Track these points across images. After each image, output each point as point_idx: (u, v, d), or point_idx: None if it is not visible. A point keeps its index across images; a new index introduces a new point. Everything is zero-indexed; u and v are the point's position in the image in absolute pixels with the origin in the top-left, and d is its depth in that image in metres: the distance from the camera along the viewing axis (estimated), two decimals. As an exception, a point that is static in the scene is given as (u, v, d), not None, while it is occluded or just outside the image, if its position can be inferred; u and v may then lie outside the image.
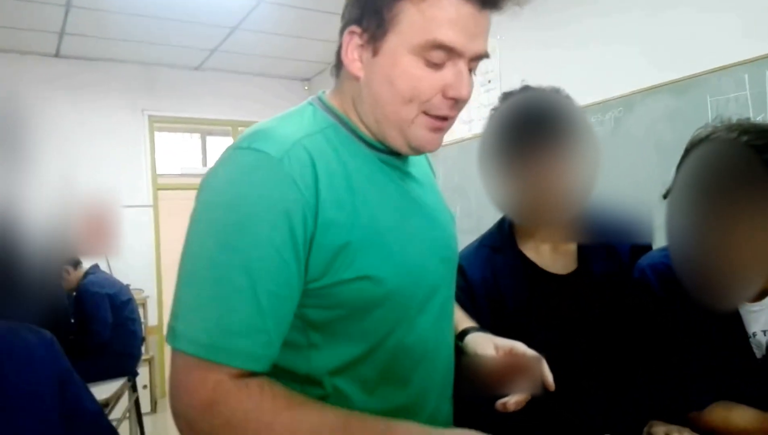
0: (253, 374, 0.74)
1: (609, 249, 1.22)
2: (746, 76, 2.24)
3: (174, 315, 0.75)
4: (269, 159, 0.75)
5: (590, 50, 2.86)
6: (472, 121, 3.60)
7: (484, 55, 0.83)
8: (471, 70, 0.83)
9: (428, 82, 0.79)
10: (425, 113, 0.81)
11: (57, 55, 4.38)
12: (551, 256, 1.23)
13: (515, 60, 3.30)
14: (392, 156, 0.89)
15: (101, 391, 2.99)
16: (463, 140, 3.63)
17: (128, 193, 4.44)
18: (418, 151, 0.87)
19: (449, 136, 3.71)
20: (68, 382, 0.89)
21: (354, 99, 0.86)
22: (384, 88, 0.81)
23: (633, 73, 2.65)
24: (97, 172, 3.55)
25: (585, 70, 2.85)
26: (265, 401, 0.72)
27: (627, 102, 2.66)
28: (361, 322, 0.81)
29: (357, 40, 0.82)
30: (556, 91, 1.10)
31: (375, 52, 0.80)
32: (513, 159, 1.02)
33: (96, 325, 3.22)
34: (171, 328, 0.75)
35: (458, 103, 0.82)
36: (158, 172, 4.83)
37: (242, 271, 0.72)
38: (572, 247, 1.23)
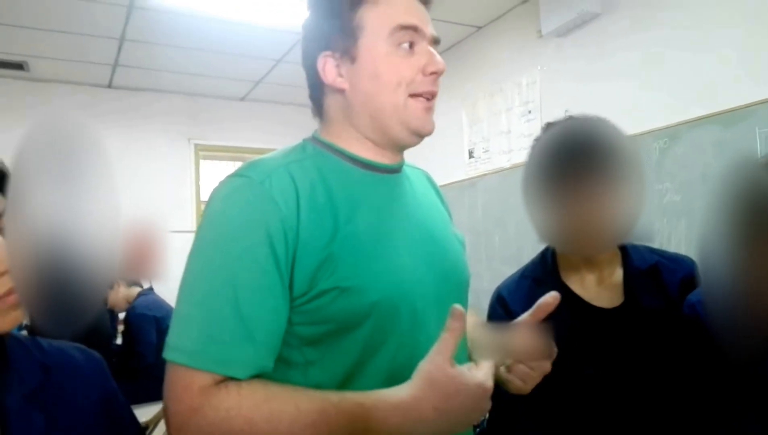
0: (236, 380, 0.77)
1: (657, 283, 1.18)
2: (797, 107, 2.17)
3: (170, 329, 0.79)
4: (251, 182, 0.82)
5: (633, 81, 2.82)
6: (512, 151, 3.58)
7: (438, 39, 0.93)
8: None
9: (407, 65, 0.88)
10: (413, 95, 0.89)
11: (110, 86, 4.57)
12: (596, 289, 1.19)
13: (556, 90, 3.28)
14: (385, 173, 0.94)
15: (142, 413, 3.01)
16: (503, 170, 3.60)
17: (174, 219, 4.54)
18: (418, 134, 0.92)
19: (488, 166, 3.69)
20: (114, 403, 0.90)
21: (344, 116, 0.92)
22: (372, 83, 0.88)
23: (678, 104, 2.60)
24: (144, 198, 3.63)
25: (628, 101, 2.80)
26: (243, 398, 0.75)
27: (672, 133, 2.60)
28: (352, 337, 0.83)
29: (331, 62, 0.90)
30: (602, 120, 1.09)
31: (353, 60, 0.89)
32: (558, 187, 1.01)
33: (141, 347, 3.27)
34: (165, 342, 0.79)
35: (437, 77, 0.91)
36: (203, 199, 4.94)
37: (226, 283, 0.77)
38: (618, 280, 1.19)
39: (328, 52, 0.90)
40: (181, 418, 0.75)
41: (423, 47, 0.90)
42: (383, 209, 0.90)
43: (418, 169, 1.10)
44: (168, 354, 0.78)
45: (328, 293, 0.81)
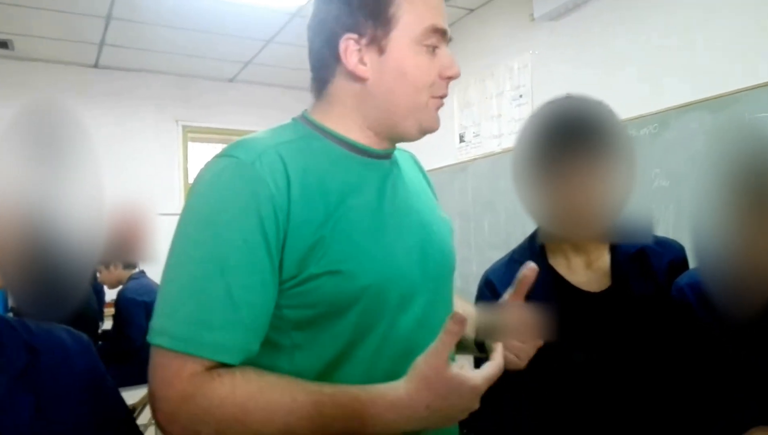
0: (227, 365, 0.76)
1: (644, 266, 1.18)
2: (786, 93, 2.18)
3: (154, 313, 0.77)
4: (240, 162, 0.80)
5: (625, 66, 2.82)
6: (503, 136, 3.58)
7: (451, 38, 0.93)
8: None
9: (431, 67, 0.88)
10: (432, 97, 0.90)
11: (96, 65, 4.50)
12: (584, 272, 1.20)
13: (547, 75, 3.28)
14: (378, 159, 0.93)
15: (130, 396, 3.01)
16: (493, 154, 3.60)
17: (162, 202, 4.51)
18: (426, 132, 0.93)
19: (479, 150, 3.69)
20: (102, 385, 0.89)
21: (355, 103, 0.90)
22: (398, 81, 0.87)
23: (668, 89, 2.60)
24: (131, 181, 3.61)
25: (619, 86, 2.81)
26: (238, 387, 0.74)
27: (662, 118, 2.61)
28: (341, 321, 0.82)
29: (354, 46, 0.86)
30: (598, 102, 1.08)
31: (381, 51, 0.86)
32: (550, 165, 1.00)
33: (130, 331, 3.28)
34: (150, 326, 0.77)
35: (450, 81, 0.92)
36: (191, 181, 4.91)
37: (214, 266, 0.75)
38: (606, 264, 1.20)
39: (354, 36, 0.86)
40: (171, 405, 0.74)
41: (444, 50, 0.90)
42: (375, 194, 0.90)
43: (406, 151, 1.09)
44: (154, 338, 0.76)
45: (318, 277, 0.80)
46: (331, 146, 0.90)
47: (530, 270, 0.90)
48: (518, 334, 0.92)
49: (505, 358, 0.90)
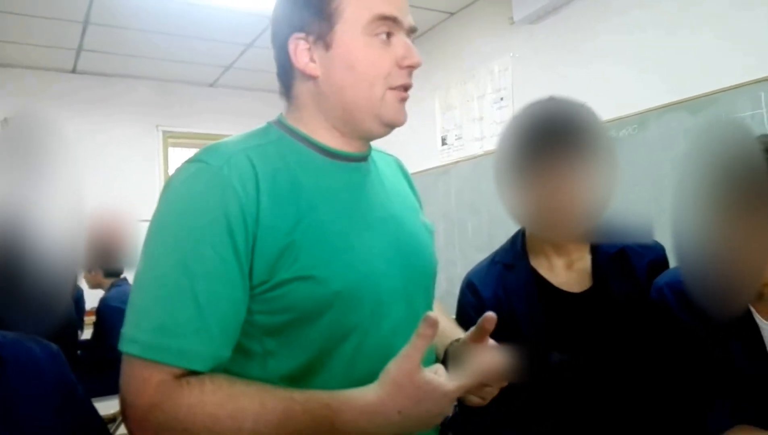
0: (198, 373, 0.75)
1: (625, 267, 1.20)
2: (762, 94, 2.22)
3: (125, 320, 0.77)
4: (209, 168, 0.79)
5: (604, 68, 2.85)
6: (484, 138, 3.60)
7: (415, 28, 0.90)
8: None
9: (384, 57, 0.85)
10: (390, 88, 0.86)
11: (74, 71, 4.45)
12: (565, 273, 1.21)
13: (528, 77, 3.30)
14: (351, 162, 0.92)
15: (111, 405, 2.97)
16: (475, 157, 3.62)
17: (142, 208, 4.45)
18: (390, 127, 0.90)
19: (461, 153, 3.69)
20: (73, 395, 0.87)
21: (314, 103, 0.89)
22: (347, 75, 0.85)
23: (647, 91, 2.63)
24: (111, 187, 3.57)
25: (598, 88, 2.84)
26: (206, 394, 0.73)
27: (641, 119, 2.64)
28: (313, 327, 0.81)
29: (303, 45, 0.86)
30: (580, 104, 1.09)
31: (327, 47, 0.85)
32: (532, 167, 1.01)
33: (112, 340, 3.23)
34: (121, 334, 0.76)
35: (413, 70, 0.88)
36: (171, 187, 4.86)
37: (182, 272, 0.75)
38: (586, 264, 1.21)
39: (301, 35, 0.86)
40: (139, 413, 0.74)
41: (400, 38, 0.87)
42: (348, 198, 0.89)
43: (389, 155, 1.09)
44: (123, 346, 0.75)
45: (289, 282, 0.79)
46: (303, 149, 0.89)
47: (488, 321, 0.81)
48: (485, 378, 0.83)
49: (469, 401, 0.87)
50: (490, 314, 0.81)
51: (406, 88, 0.88)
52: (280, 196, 0.81)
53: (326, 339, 0.82)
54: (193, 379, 0.74)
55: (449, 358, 0.93)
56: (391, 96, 0.87)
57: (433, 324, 0.72)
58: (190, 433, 0.73)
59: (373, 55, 0.85)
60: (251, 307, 0.80)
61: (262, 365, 0.82)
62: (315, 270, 0.80)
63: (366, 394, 0.74)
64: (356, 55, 0.84)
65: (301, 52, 0.87)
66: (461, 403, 0.91)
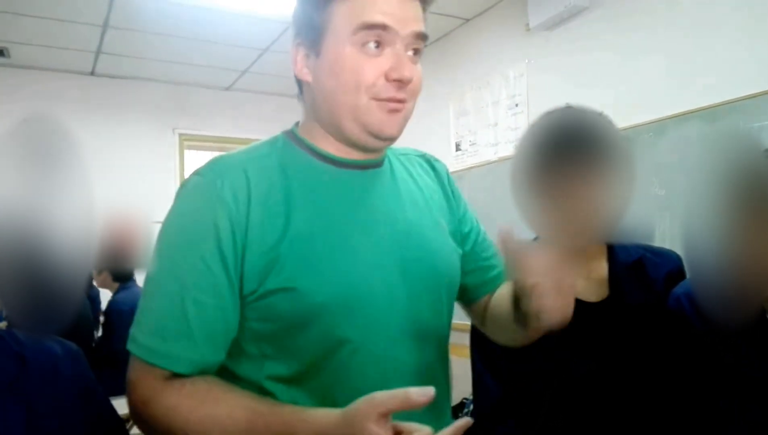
0: (183, 376, 0.80)
1: (642, 276, 1.18)
2: (782, 102, 2.19)
3: (133, 321, 0.84)
4: (205, 182, 0.84)
5: (619, 75, 2.83)
6: (499, 144, 3.58)
7: (422, 36, 0.86)
8: (416, 53, 0.88)
9: (369, 68, 0.83)
10: (375, 99, 0.84)
11: (93, 73, 4.50)
12: (582, 283, 1.19)
13: (543, 84, 3.28)
14: (355, 169, 0.91)
15: (122, 405, 3.00)
16: (489, 163, 3.61)
17: (158, 209, 4.48)
18: (378, 137, 0.87)
19: (475, 159, 3.68)
20: (92, 395, 0.89)
21: (312, 109, 0.91)
22: (331, 81, 0.86)
23: (664, 98, 2.61)
24: (127, 188, 3.60)
25: (614, 95, 2.82)
26: (183, 398, 0.78)
27: (658, 127, 2.61)
28: (302, 336, 0.83)
29: (302, 51, 0.89)
30: (599, 114, 1.08)
31: (317, 54, 0.87)
32: (550, 175, 1.00)
33: (117, 341, 3.26)
34: (129, 333, 0.83)
35: (404, 85, 0.85)
36: (186, 189, 4.89)
37: (174, 280, 0.81)
38: (603, 274, 1.20)
39: (300, 41, 0.89)
40: (136, 408, 0.81)
41: (393, 49, 0.84)
42: (346, 207, 0.88)
43: (418, 155, 1.06)
44: (129, 345, 0.82)
45: (275, 293, 0.82)
46: (305, 158, 0.91)
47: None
48: (536, 276, 0.76)
49: (546, 314, 0.79)
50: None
51: (395, 101, 0.85)
52: (271, 209, 0.84)
53: (317, 348, 0.84)
54: (176, 382, 0.80)
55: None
56: (376, 106, 0.85)
57: (427, 398, 0.67)
58: (170, 432, 0.79)
59: (357, 64, 0.83)
60: (245, 313, 0.84)
61: (259, 366, 0.85)
62: (297, 282, 0.82)
63: (328, 417, 0.73)
64: (340, 64, 0.84)
65: (299, 59, 0.90)
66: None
